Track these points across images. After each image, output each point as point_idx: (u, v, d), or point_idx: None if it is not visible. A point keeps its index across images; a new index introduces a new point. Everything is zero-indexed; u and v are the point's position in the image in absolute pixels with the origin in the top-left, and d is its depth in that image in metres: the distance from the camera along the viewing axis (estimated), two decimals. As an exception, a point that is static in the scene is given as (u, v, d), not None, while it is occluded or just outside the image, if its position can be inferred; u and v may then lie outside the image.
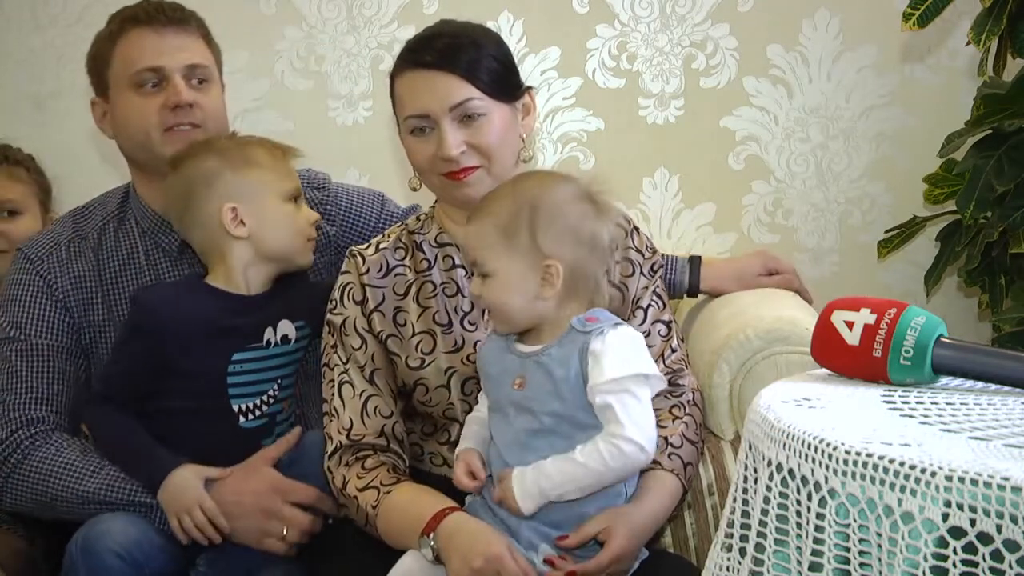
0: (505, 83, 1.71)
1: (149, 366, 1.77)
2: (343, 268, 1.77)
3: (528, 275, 1.52)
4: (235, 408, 1.80)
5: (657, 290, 1.77)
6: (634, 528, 1.54)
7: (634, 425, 1.47)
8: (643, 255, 1.78)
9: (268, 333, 1.83)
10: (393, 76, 1.73)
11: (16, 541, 1.96)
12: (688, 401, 1.72)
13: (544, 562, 1.51)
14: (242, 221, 1.80)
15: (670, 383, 1.72)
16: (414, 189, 1.79)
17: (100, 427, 1.82)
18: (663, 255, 2.07)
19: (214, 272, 1.84)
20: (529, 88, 1.77)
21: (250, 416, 1.81)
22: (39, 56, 2.67)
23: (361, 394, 1.71)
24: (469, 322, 1.72)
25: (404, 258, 1.76)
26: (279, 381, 1.84)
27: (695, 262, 2.11)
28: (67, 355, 1.90)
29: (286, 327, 1.84)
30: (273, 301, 1.84)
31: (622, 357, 1.48)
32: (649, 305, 1.75)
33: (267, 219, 1.81)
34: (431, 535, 1.54)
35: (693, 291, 2.11)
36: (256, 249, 1.82)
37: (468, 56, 1.67)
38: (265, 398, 1.82)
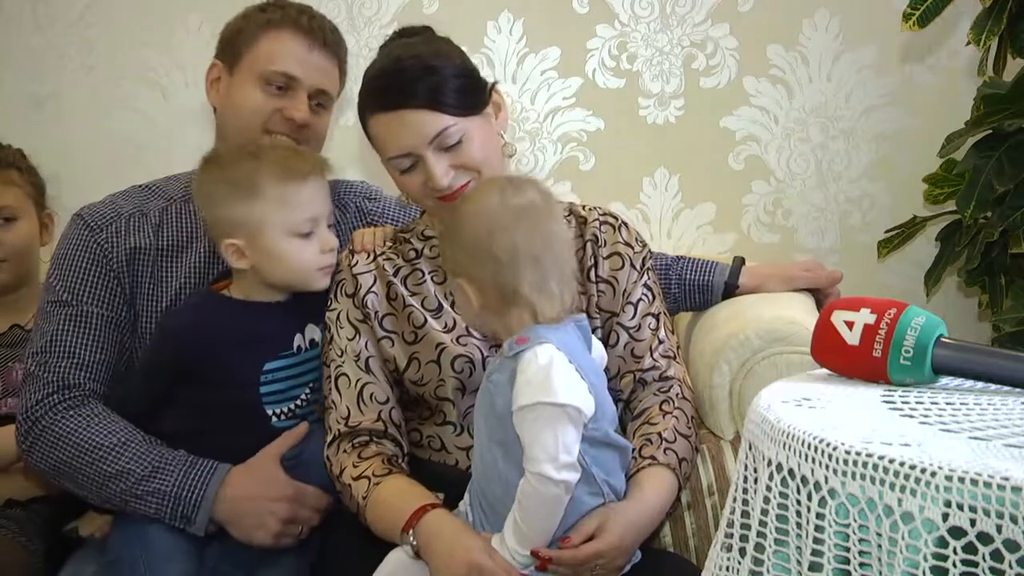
0: (471, 96, 1.71)
1: (172, 384, 1.79)
2: (337, 267, 1.81)
3: (460, 291, 1.56)
4: (269, 412, 1.80)
5: (647, 283, 1.78)
6: (629, 524, 1.54)
7: (531, 460, 1.45)
8: (633, 248, 1.79)
9: (298, 339, 1.82)
10: (363, 116, 1.72)
11: (13, 547, 1.95)
12: (677, 395, 1.72)
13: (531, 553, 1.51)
14: (244, 254, 1.76)
15: (659, 377, 1.73)
16: (405, 203, 1.82)
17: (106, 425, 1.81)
18: (711, 260, 2.08)
19: (236, 281, 1.82)
20: (494, 85, 1.78)
21: (283, 417, 1.82)
22: (39, 56, 2.67)
23: (357, 382, 1.72)
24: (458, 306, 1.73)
25: (392, 247, 1.81)
26: (311, 385, 1.83)
27: (737, 262, 2.08)
28: (115, 325, 1.89)
29: (313, 331, 1.83)
30: (299, 306, 1.81)
31: (530, 384, 1.46)
32: (640, 299, 1.76)
33: (268, 255, 1.76)
34: (411, 532, 1.55)
35: (730, 290, 2.05)
36: (262, 279, 1.79)
37: (428, 85, 1.66)
38: (299, 402, 1.82)
